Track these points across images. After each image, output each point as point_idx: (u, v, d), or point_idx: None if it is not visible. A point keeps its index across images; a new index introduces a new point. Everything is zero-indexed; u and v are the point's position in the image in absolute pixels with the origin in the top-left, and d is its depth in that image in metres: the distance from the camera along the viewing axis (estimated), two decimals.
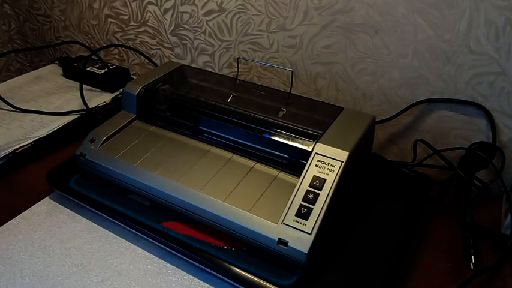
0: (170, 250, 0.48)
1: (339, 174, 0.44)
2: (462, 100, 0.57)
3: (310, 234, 0.42)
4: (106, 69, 0.78)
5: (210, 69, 0.78)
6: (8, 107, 0.71)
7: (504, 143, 0.57)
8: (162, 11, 0.78)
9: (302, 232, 0.42)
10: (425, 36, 0.56)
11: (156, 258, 0.48)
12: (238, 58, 0.63)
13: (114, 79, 0.78)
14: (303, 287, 0.43)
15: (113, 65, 0.81)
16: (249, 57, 0.73)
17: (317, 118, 0.55)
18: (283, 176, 0.49)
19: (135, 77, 0.83)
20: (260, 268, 0.44)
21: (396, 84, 0.61)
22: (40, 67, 0.87)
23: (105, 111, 0.72)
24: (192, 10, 0.74)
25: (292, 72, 0.60)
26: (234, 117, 0.54)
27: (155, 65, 0.84)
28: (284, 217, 0.43)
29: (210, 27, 0.74)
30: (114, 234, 0.51)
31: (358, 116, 0.53)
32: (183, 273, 0.46)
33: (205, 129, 0.56)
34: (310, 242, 0.42)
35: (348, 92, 0.66)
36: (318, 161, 0.46)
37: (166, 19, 0.78)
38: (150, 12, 0.79)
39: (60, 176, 0.56)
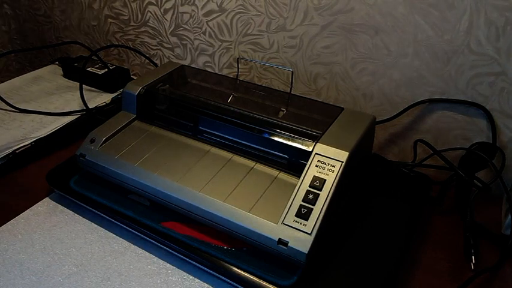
0: (170, 250, 0.48)
1: (339, 174, 0.44)
2: (462, 100, 0.57)
3: (310, 234, 0.42)
4: (106, 70, 0.78)
5: (210, 70, 0.78)
6: (8, 107, 0.71)
7: (504, 143, 0.57)
8: (162, 11, 0.78)
9: (302, 232, 0.42)
10: (426, 36, 0.56)
11: (156, 258, 0.48)
12: (238, 58, 0.63)
13: (114, 79, 0.78)
14: (303, 287, 0.43)
15: (113, 65, 0.81)
16: (249, 57, 0.73)
17: (317, 118, 0.55)
18: (283, 176, 0.49)
19: (135, 77, 0.83)
20: (260, 268, 0.44)
21: (396, 84, 0.61)
22: (40, 67, 0.87)
23: (105, 111, 0.72)
24: (192, 10, 0.74)
25: (292, 72, 0.60)
26: (234, 118, 0.54)
27: (155, 65, 0.84)
28: (284, 217, 0.43)
29: (210, 27, 0.74)
30: (114, 234, 0.51)
31: (358, 116, 0.52)
32: (183, 273, 0.46)
33: (205, 129, 0.56)
34: (310, 242, 0.42)
35: (348, 92, 0.66)
36: (318, 161, 0.46)
37: (166, 19, 0.78)
38: (150, 13, 0.79)
39: (60, 176, 0.56)
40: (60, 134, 0.66)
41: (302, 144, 0.49)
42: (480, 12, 0.52)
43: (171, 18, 0.77)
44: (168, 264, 0.47)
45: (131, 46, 0.86)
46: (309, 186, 0.45)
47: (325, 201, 0.43)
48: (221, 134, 0.55)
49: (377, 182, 0.57)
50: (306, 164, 0.46)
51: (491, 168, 0.56)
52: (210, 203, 0.46)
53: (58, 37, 0.97)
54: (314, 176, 0.45)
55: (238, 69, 0.62)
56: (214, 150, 0.53)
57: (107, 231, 0.51)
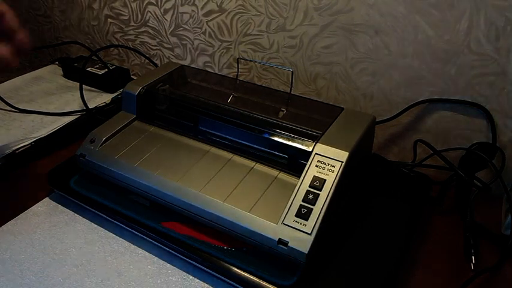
0: (170, 250, 0.48)
1: (339, 174, 0.44)
2: (462, 100, 0.57)
3: (310, 234, 0.42)
4: (106, 70, 0.78)
5: (210, 70, 0.78)
6: (8, 108, 0.71)
7: (504, 143, 0.57)
8: (162, 11, 0.78)
9: (302, 232, 0.42)
10: (426, 36, 0.56)
11: (156, 259, 0.48)
12: (238, 58, 0.63)
13: (114, 79, 0.78)
14: (303, 287, 0.43)
15: (113, 65, 0.81)
16: (249, 57, 0.73)
17: (317, 118, 0.55)
18: (283, 176, 0.49)
19: (135, 78, 0.83)
20: (260, 268, 0.44)
21: (396, 84, 0.61)
22: (40, 67, 0.87)
23: (105, 111, 0.72)
24: (192, 10, 0.74)
25: (292, 72, 0.60)
26: (234, 118, 0.54)
27: (155, 65, 0.84)
28: (284, 217, 0.43)
29: (210, 27, 0.74)
30: (114, 234, 0.51)
31: (358, 116, 0.52)
32: (183, 273, 0.46)
33: (205, 129, 0.56)
34: (310, 242, 0.42)
35: (348, 92, 0.66)
36: (318, 161, 0.46)
37: (166, 19, 0.78)
38: (150, 13, 0.79)
39: (60, 176, 0.56)
40: (60, 134, 0.66)
41: (302, 144, 0.49)
42: (480, 12, 0.52)
43: (171, 18, 0.77)
44: (168, 264, 0.47)
45: (131, 46, 0.86)
46: (309, 186, 0.44)
47: (325, 201, 0.43)
48: (221, 134, 0.55)
49: (377, 182, 0.57)
50: (306, 164, 0.46)
51: (491, 168, 0.56)
52: (210, 203, 0.46)
53: (58, 37, 0.97)
54: (314, 176, 0.45)
55: (238, 69, 0.62)
56: (214, 150, 0.53)
57: (107, 231, 0.51)
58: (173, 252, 0.48)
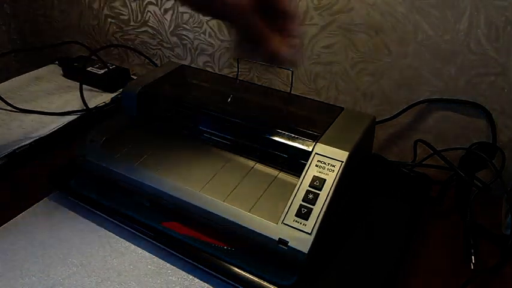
0: (170, 250, 0.48)
1: (339, 174, 0.44)
2: (462, 100, 0.57)
3: (310, 234, 0.42)
4: (106, 70, 0.78)
5: (210, 70, 0.78)
6: (8, 107, 0.71)
7: (504, 143, 0.57)
8: (162, 11, 0.78)
9: (302, 232, 0.42)
10: (425, 36, 0.56)
11: (156, 258, 0.48)
12: (238, 58, 0.63)
13: (114, 79, 0.78)
14: (303, 287, 0.43)
15: (113, 65, 0.81)
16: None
17: (317, 118, 0.55)
18: (283, 176, 0.49)
19: (135, 77, 0.83)
20: (260, 268, 0.44)
21: (396, 84, 0.61)
22: (40, 67, 0.87)
23: (105, 111, 0.72)
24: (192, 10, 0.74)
25: (292, 72, 0.60)
26: (234, 117, 0.54)
27: (155, 65, 0.84)
28: (284, 217, 0.43)
29: (210, 27, 0.74)
30: (114, 234, 0.51)
31: (358, 116, 0.52)
32: (183, 273, 0.46)
33: (205, 129, 0.56)
34: (310, 242, 0.42)
35: (348, 92, 0.66)
36: (318, 161, 0.46)
37: (166, 19, 0.78)
38: (150, 12, 0.79)
39: (60, 176, 0.56)
40: (60, 134, 0.66)
41: (302, 144, 0.49)
42: (480, 12, 0.52)
43: (171, 18, 0.77)
44: (168, 264, 0.47)
45: (131, 46, 0.86)
46: (309, 186, 0.44)
47: (325, 201, 0.43)
48: (221, 134, 0.55)
49: (377, 182, 0.57)
50: (306, 164, 0.46)
51: (491, 168, 0.56)
52: (210, 203, 0.46)
53: (58, 37, 0.97)
54: (314, 176, 0.45)
55: (238, 69, 0.61)
56: (214, 150, 0.53)
57: (107, 231, 0.51)
58: (173, 252, 0.48)
